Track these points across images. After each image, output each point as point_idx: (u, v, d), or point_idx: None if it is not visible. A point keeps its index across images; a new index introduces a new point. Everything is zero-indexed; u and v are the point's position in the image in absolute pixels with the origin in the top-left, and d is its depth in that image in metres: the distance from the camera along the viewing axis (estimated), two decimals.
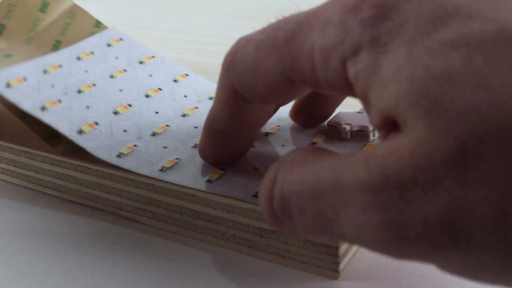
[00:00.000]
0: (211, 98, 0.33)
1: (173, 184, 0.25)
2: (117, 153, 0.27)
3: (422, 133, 0.16)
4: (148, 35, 0.53)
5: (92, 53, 0.35)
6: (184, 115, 0.31)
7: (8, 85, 0.29)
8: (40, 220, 0.28)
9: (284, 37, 0.21)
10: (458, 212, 0.15)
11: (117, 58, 0.35)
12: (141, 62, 0.35)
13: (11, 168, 0.30)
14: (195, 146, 0.28)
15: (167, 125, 0.30)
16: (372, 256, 0.24)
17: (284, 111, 0.31)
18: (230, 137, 0.25)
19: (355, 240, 0.18)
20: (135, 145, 0.28)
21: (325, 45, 0.19)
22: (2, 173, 0.31)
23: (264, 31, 0.22)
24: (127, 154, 0.27)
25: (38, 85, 0.30)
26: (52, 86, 0.31)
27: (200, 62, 0.46)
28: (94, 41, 0.36)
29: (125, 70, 0.34)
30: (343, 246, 0.23)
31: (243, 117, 0.24)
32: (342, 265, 0.23)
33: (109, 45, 0.36)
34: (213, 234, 0.25)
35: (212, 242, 0.25)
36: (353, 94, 0.19)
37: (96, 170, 0.27)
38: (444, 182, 0.16)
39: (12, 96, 0.29)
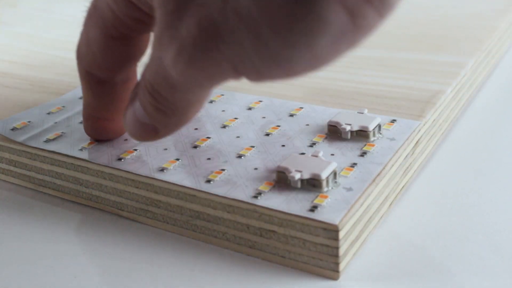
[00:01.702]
0: (211, 102, 0.33)
1: (174, 184, 0.25)
2: (117, 158, 0.27)
3: None
4: None
5: None
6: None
7: (13, 129, 0.31)
8: (40, 220, 0.28)
9: (91, 5, 0.25)
10: (201, 11, 0.18)
11: None
12: None
13: (11, 168, 0.30)
14: (195, 147, 0.28)
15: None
16: (372, 256, 0.24)
17: (284, 112, 0.31)
18: (103, 119, 0.28)
19: (183, 82, 0.20)
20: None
21: None
22: (2, 173, 0.31)
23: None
24: (128, 158, 0.27)
25: (41, 124, 0.31)
26: (56, 122, 0.32)
27: None
28: None
29: None
30: (344, 246, 0.23)
31: (106, 98, 0.27)
32: (342, 265, 0.23)
33: None
34: (213, 234, 0.25)
35: (212, 242, 0.25)
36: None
37: (97, 170, 0.27)
38: None
39: (17, 137, 0.30)
